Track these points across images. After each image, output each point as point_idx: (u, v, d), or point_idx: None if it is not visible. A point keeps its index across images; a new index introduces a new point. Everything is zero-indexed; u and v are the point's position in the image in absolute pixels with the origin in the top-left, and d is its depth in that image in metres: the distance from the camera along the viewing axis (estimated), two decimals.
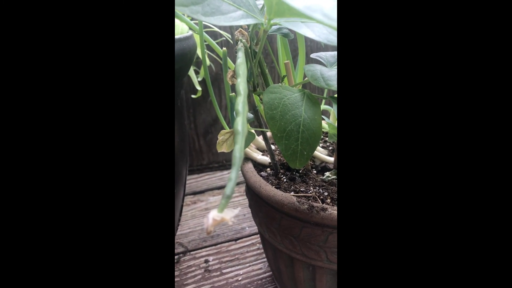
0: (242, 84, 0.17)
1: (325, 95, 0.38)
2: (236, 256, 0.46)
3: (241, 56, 0.18)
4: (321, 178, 0.34)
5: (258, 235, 0.50)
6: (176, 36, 0.27)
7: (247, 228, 0.52)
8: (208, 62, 0.56)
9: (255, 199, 0.32)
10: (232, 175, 0.15)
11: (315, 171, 0.36)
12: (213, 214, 0.14)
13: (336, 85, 0.22)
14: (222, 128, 0.41)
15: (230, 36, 0.54)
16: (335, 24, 0.10)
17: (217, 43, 0.50)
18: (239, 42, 0.21)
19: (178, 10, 0.15)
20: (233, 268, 0.44)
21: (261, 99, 0.29)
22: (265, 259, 0.45)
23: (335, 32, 0.11)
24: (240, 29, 0.23)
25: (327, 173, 0.35)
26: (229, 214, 0.14)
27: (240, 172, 0.35)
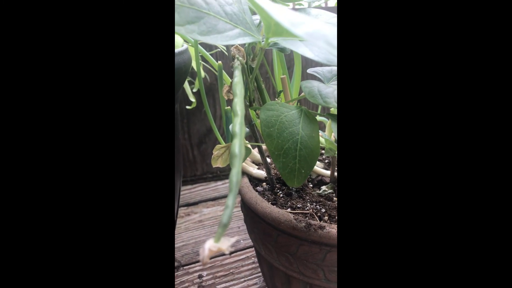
0: (239, 104, 0.17)
1: (319, 111, 0.37)
2: (231, 271, 0.45)
3: (237, 75, 0.18)
4: (317, 193, 0.33)
5: (253, 249, 0.49)
6: None
7: (242, 241, 0.51)
8: (202, 73, 0.56)
9: (251, 215, 0.31)
10: (229, 202, 0.14)
11: (311, 185, 0.36)
12: (209, 245, 0.13)
13: (334, 103, 0.22)
14: (216, 138, 0.40)
15: (225, 47, 0.54)
16: (336, 52, 0.10)
17: (211, 54, 0.50)
18: (235, 60, 0.20)
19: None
20: (227, 284, 0.43)
21: (257, 114, 0.29)
22: (261, 274, 0.44)
23: (335, 52, 0.10)
24: (236, 45, 0.23)
25: (323, 187, 0.34)
26: (225, 244, 0.14)
27: None
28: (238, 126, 0.17)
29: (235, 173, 0.15)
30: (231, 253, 0.48)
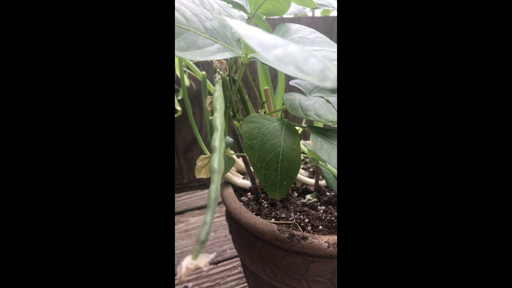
0: (219, 119, 0.17)
1: (303, 122, 0.38)
2: (217, 281, 0.44)
3: (218, 89, 0.18)
4: (302, 202, 0.34)
5: (239, 258, 0.49)
6: None
7: (228, 250, 0.50)
8: (187, 81, 0.56)
9: (235, 225, 0.31)
10: (207, 219, 0.14)
11: (296, 194, 0.36)
12: (187, 262, 0.13)
13: (314, 115, 0.22)
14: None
15: None
16: (306, 76, 0.10)
17: (197, 62, 0.50)
18: (216, 74, 0.20)
19: None
20: None
21: (241, 125, 0.29)
22: (246, 284, 0.44)
23: (304, 76, 0.10)
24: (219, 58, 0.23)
25: (308, 196, 0.35)
26: (203, 260, 0.14)
27: (220, 197, 0.34)
28: (217, 141, 0.17)
29: (213, 189, 0.15)
30: (217, 262, 0.48)
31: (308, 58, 0.10)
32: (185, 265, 0.13)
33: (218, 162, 0.16)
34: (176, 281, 0.43)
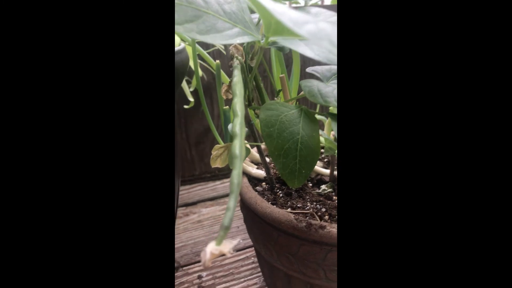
0: (239, 105, 0.17)
1: (317, 110, 0.37)
2: (231, 271, 0.45)
3: (237, 74, 0.18)
4: (317, 192, 0.33)
5: (253, 248, 0.49)
6: None
7: (241, 241, 0.50)
8: (200, 72, 0.56)
9: (251, 215, 0.31)
10: (230, 204, 0.14)
11: (310, 184, 0.35)
12: (211, 248, 0.13)
13: (334, 102, 0.21)
14: (214, 138, 0.40)
15: (223, 46, 0.53)
16: (336, 51, 0.09)
17: (208, 53, 0.50)
18: (234, 59, 0.20)
19: None
20: (227, 284, 0.43)
21: (256, 114, 0.28)
22: (261, 273, 0.44)
23: (335, 51, 0.10)
24: (235, 44, 0.22)
25: (323, 186, 0.34)
26: (227, 246, 0.13)
27: None
28: (238, 126, 0.16)
29: (236, 174, 0.15)
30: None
31: (336, 34, 0.09)
32: (209, 250, 0.13)
33: (240, 148, 0.16)
34: (201, 267, 0.43)
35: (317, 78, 0.26)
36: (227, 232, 0.13)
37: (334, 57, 0.17)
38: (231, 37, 0.16)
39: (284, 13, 0.10)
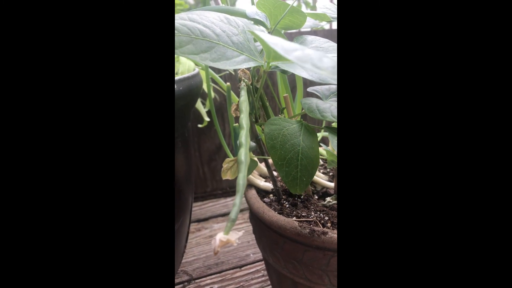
0: (245, 119, 0.20)
1: (323, 125, 0.40)
2: (241, 284, 0.46)
3: (243, 94, 0.21)
4: (322, 203, 0.35)
5: (263, 262, 0.50)
6: (184, 75, 0.29)
7: (251, 255, 0.52)
8: (212, 94, 0.60)
9: (259, 224, 0.33)
10: (236, 201, 0.16)
11: (316, 197, 0.37)
12: (220, 236, 0.15)
13: (330, 116, 0.24)
14: (226, 155, 0.42)
15: (232, 70, 0.58)
16: (321, 72, 0.12)
17: (221, 76, 0.54)
18: (241, 81, 0.23)
19: (189, 57, 0.18)
20: None
21: (263, 129, 0.31)
22: (270, 286, 0.45)
23: (321, 72, 0.13)
24: (242, 68, 0.26)
25: (328, 198, 0.36)
26: (234, 236, 0.16)
27: (244, 198, 0.37)
28: (244, 137, 0.19)
29: (241, 177, 0.17)
30: (241, 266, 0.50)
31: (322, 58, 0.12)
32: (218, 238, 0.15)
33: (245, 155, 0.18)
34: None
35: (317, 97, 0.29)
36: (234, 223, 0.16)
37: (324, 77, 0.20)
38: (239, 63, 0.20)
39: (277, 44, 0.13)
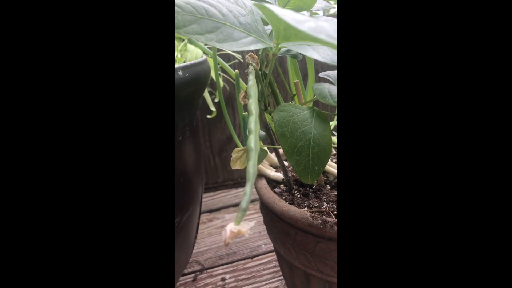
0: (253, 105, 0.19)
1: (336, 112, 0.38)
2: (253, 274, 0.46)
3: (251, 79, 0.20)
4: (334, 194, 0.34)
5: (274, 253, 0.50)
6: (191, 61, 0.29)
7: (263, 245, 0.52)
8: (222, 83, 0.59)
9: (270, 215, 0.33)
10: (247, 190, 0.16)
11: (329, 187, 0.36)
12: (231, 227, 0.15)
13: None
14: (236, 146, 0.42)
15: (242, 58, 0.56)
16: (336, 42, 0.11)
17: (229, 65, 0.53)
18: (249, 66, 0.22)
19: (194, 38, 0.17)
20: (249, 286, 0.44)
21: (272, 118, 0.30)
22: (282, 277, 0.45)
23: (334, 41, 0.11)
24: (250, 53, 0.25)
25: None
26: (245, 227, 0.15)
27: (254, 189, 0.36)
28: (253, 123, 0.18)
29: (251, 165, 0.17)
30: (253, 257, 0.49)
31: (335, 29, 0.11)
32: (229, 229, 0.15)
33: (255, 142, 0.17)
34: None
35: (330, 82, 0.28)
36: (245, 213, 0.15)
37: (335, 57, 0.19)
38: (246, 45, 0.18)
39: (287, 15, 0.12)
